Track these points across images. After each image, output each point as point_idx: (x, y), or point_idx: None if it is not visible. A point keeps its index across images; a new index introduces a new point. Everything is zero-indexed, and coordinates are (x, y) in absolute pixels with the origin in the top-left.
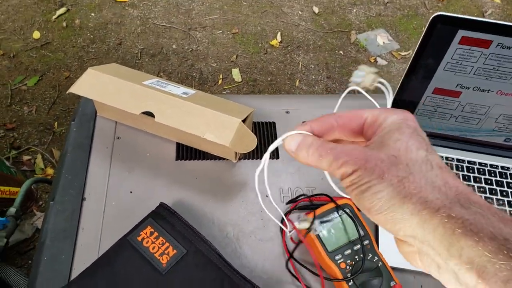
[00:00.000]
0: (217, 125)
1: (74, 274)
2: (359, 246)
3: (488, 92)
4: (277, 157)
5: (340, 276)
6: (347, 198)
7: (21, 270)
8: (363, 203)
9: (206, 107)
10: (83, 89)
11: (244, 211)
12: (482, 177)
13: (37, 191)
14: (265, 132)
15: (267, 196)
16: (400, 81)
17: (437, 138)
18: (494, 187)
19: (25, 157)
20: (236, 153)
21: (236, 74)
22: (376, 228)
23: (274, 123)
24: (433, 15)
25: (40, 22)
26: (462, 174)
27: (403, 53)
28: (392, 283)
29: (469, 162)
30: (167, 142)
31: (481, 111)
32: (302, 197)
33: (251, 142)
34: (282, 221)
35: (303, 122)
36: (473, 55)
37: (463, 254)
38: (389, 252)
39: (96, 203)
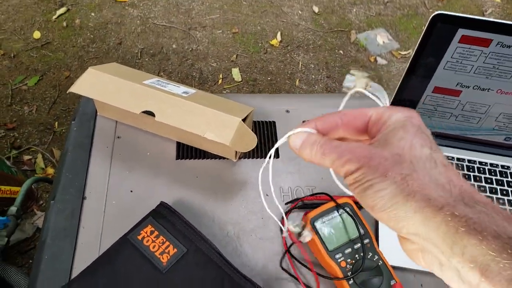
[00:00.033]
0: (217, 124)
1: (75, 273)
2: (359, 245)
3: (488, 91)
4: (277, 157)
5: (340, 274)
6: (347, 197)
7: (22, 270)
8: (366, 200)
9: (207, 106)
10: (84, 88)
11: (245, 210)
12: (482, 176)
13: (37, 191)
14: (265, 131)
15: (267, 195)
16: (400, 80)
17: (437, 137)
18: (495, 186)
19: (26, 157)
20: (236, 152)
21: (236, 73)
22: (376, 227)
23: (274, 122)
24: (433, 14)
25: (41, 22)
26: (463, 173)
27: (403, 53)
28: (392, 282)
29: (469, 161)
30: (168, 141)
31: (481, 110)
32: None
33: (251, 141)
34: (283, 219)
35: (303, 121)
36: (473, 54)
37: (466, 253)
38: (389, 251)
39: (96, 202)
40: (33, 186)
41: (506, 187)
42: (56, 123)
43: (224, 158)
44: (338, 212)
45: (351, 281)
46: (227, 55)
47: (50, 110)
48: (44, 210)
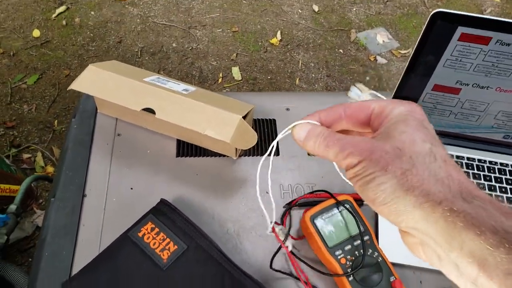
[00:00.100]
0: (217, 121)
1: (75, 270)
2: (359, 241)
3: (487, 89)
4: (278, 154)
5: (340, 271)
6: (347, 194)
7: (21, 268)
8: (367, 194)
9: (207, 104)
10: (84, 85)
11: (245, 207)
12: (481, 173)
13: (37, 189)
14: (265, 129)
15: (267, 192)
16: (400, 78)
17: (436, 135)
18: (493, 183)
19: (25, 155)
20: (236, 149)
21: (236, 72)
22: (376, 223)
23: (274, 120)
24: (433, 12)
25: (40, 20)
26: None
27: (402, 52)
28: (391, 279)
29: (468, 158)
30: (168, 139)
31: (480, 108)
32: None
33: (252, 138)
34: (283, 216)
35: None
36: (473, 52)
37: (464, 247)
38: (389, 247)
39: (96, 200)
40: (32, 185)
41: (504, 185)
42: (56, 121)
43: (224, 155)
44: (338, 209)
45: (351, 278)
46: (227, 53)
47: (49, 109)
48: (43, 209)
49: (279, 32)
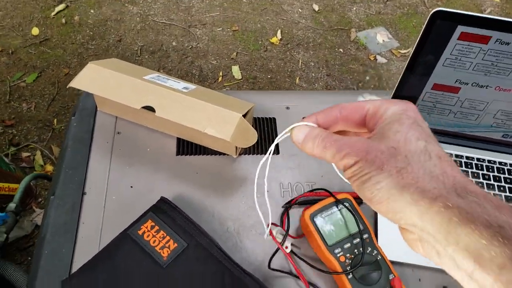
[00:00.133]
0: (218, 119)
1: (75, 268)
2: (358, 240)
3: (486, 88)
4: (277, 153)
5: (339, 269)
6: (346, 193)
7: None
8: (364, 193)
9: (207, 102)
10: (84, 83)
11: (245, 206)
12: (480, 172)
13: (36, 188)
14: (265, 128)
15: (268, 191)
16: (400, 77)
17: (435, 134)
18: (492, 182)
19: (24, 154)
20: (236, 148)
21: (236, 71)
22: (376, 222)
23: (274, 118)
24: (433, 11)
25: (39, 18)
26: (460, 170)
27: (402, 51)
28: (391, 277)
29: (467, 157)
30: (168, 137)
31: (479, 107)
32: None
33: (252, 136)
34: (283, 215)
35: (303, 118)
36: (472, 51)
37: (460, 242)
38: (388, 246)
39: (96, 198)
40: (31, 183)
41: (503, 183)
42: (55, 120)
43: (224, 154)
44: (337, 207)
45: (350, 276)
46: (227, 52)
47: (49, 107)
48: (43, 208)
49: (279, 31)
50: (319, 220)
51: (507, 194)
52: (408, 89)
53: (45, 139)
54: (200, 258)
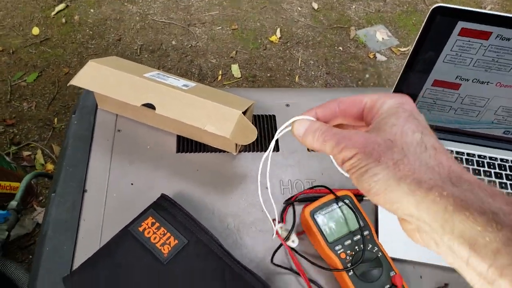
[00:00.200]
0: (217, 117)
1: (76, 265)
2: (359, 236)
3: (487, 84)
4: (277, 150)
5: (340, 266)
6: (346, 189)
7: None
8: (362, 185)
9: (207, 99)
10: (84, 81)
11: (245, 203)
12: (481, 169)
13: (37, 186)
14: (265, 125)
15: (267, 188)
16: (400, 73)
17: (436, 130)
18: (493, 179)
19: (25, 153)
20: (236, 145)
21: (235, 70)
22: (376, 219)
23: (274, 116)
24: (433, 7)
25: (39, 18)
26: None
27: (402, 49)
28: (391, 273)
29: (468, 154)
30: (168, 135)
31: (480, 103)
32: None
33: (252, 134)
34: (283, 212)
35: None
36: (473, 47)
37: (455, 229)
38: (389, 243)
39: (97, 195)
40: (32, 182)
41: (504, 180)
42: (56, 119)
43: (224, 151)
44: (337, 204)
45: (351, 273)
46: (227, 51)
47: (49, 106)
48: (43, 206)
49: (278, 30)
50: (319, 217)
51: (509, 190)
52: (408, 86)
53: (45, 138)
54: (201, 255)
